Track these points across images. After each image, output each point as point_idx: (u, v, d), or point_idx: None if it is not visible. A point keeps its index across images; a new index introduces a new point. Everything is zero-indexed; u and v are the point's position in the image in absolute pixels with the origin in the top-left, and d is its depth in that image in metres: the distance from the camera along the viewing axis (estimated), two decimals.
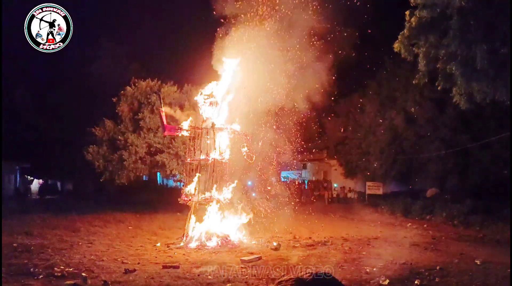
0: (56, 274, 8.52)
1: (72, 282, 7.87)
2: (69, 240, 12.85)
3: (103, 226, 16.15)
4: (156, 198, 26.83)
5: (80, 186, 34.63)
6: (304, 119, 17.44)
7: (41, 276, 8.31)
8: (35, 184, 38.15)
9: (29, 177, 37.21)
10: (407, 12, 13.33)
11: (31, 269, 8.75)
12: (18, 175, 33.88)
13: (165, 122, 14.16)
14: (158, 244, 12.85)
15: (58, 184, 39.44)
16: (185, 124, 13.91)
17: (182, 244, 12.70)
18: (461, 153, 22.88)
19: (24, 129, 31.94)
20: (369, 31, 18.25)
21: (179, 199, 13.61)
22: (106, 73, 30.92)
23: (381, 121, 26.83)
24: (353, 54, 16.60)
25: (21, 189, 34.03)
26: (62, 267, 9.06)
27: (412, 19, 13.06)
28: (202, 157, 13.41)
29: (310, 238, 14.22)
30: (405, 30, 13.43)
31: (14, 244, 11.53)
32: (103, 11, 37.40)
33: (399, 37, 13.67)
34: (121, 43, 33.87)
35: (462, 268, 9.52)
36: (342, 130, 31.42)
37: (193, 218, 13.24)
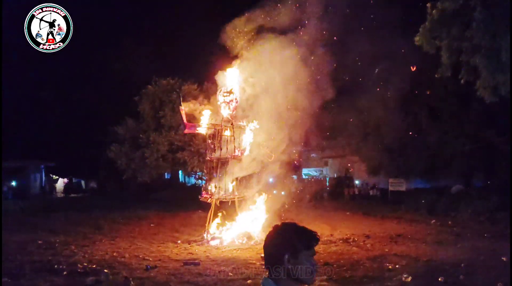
0: (79, 270, 8.65)
1: (94, 278, 7.97)
2: (92, 237, 13.07)
3: (125, 224, 16.37)
4: (178, 195, 27.04)
5: (104, 185, 35.17)
6: (325, 116, 17.29)
7: (64, 273, 8.44)
8: (60, 182, 38.85)
9: (54, 176, 37.95)
10: (429, 4, 13.03)
11: (55, 266, 8.90)
12: (43, 174, 34.61)
13: (185, 120, 14.23)
14: (179, 241, 12.93)
15: (82, 182, 40.08)
16: (205, 122, 13.94)
17: (203, 241, 12.75)
18: (486, 148, 22.32)
19: (50, 129, 32.60)
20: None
21: (199, 197, 13.67)
22: (128, 72, 31.27)
23: (403, 116, 26.39)
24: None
25: (47, 187, 34.76)
26: (85, 264, 9.20)
27: (434, 11, 12.77)
28: (222, 154, 13.42)
29: (331, 235, 14.07)
30: (427, 23, 13.12)
31: (39, 241, 11.76)
32: (125, 10, 37.78)
33: (421, 30, 13.35)
34: (142, 42, 34.17)
35: (488, 265, 9.22)
36: (364, 126, 31.00)
37: (214, 215, 13.27)
